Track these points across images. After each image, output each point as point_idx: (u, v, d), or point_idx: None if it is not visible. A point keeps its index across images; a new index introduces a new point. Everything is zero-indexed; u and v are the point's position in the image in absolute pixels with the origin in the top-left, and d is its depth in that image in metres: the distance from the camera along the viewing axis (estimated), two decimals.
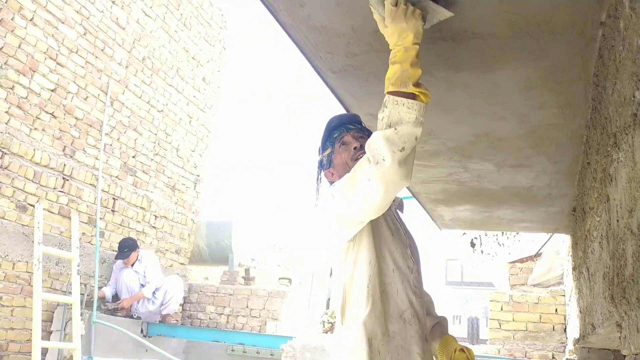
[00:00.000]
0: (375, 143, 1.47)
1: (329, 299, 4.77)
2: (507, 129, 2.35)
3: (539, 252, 4.68)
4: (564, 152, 2.52)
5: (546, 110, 2.16)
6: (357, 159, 1.74)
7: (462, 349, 1.83)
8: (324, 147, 1.94)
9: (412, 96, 1.48)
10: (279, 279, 7.70)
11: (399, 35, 1.52)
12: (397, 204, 1.95)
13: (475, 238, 4.37)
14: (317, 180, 1.96)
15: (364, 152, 1.58)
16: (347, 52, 1.87)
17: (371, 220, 1.68)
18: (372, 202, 1.56)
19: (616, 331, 1.66)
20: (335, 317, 4.33)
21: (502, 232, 4.32)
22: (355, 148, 1.83)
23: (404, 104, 1.48)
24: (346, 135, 1.89)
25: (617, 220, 1.45)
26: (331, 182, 1.87)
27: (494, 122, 2.29)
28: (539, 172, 2.78)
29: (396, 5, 1.52)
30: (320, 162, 1.94)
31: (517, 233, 4.57)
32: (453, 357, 1.82)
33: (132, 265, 5.77)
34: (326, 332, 4.04)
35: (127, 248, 5.68)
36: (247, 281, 7.64)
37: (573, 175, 2.80)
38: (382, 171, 1.46)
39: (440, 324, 1.97)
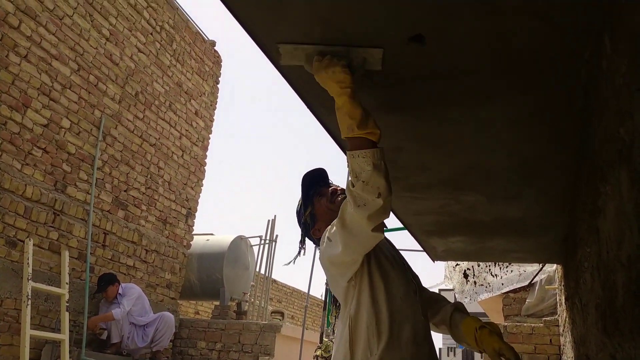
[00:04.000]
0: (351, 194, 1.59)
1: (321, 333, 4.71)
2: (497, 162, 2.40)
3: (532, 282, 4.69)
4: (554, 183, 2.56)
5: (535, 143, 2.21)
6: (335, 201, 1.91)
7: (482, 326, 1.85)
8: (305, 208, 2.02)
9: (363, 142, 1.58)
10: (272, 313, 7.61)
11: (326, 87, 1.62)
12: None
13: (468, 269, 4.37)
14: (302, 242, 2.05)
15: (340, 194, 1.79)
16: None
17: (368, 258, 1.75)
18: (362, 239, 1.65)
19: None
20: (329, 351, 4.28)
21: (495, 263, 4.33)
22: (332, 193, 1.94)
23: (358, 156, 1.59)
24: (321, 190, 2.00)
25: (607, 252, 1.48)
26: (318, 239, 1.94)
27: (484, 155, 2.33)
28: (530, 203, 2.82)
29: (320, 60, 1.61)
30: (305, 223, 2.01)
31: (510, 264, 4.59)
32: (477, 336, 1.84)
33: (115, 300, 5.65)
34: None
35: (103, 282, 5.59)
36: (239, 315, 7.53)
37: (564, 205, 2.84)
38: (367, 213, 1.57)
39: (458, 310, 1.99)
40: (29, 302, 4.66)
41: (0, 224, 4.74)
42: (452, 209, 2.96)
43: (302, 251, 2.06)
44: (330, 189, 1.98)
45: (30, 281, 4.73)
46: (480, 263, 4.28)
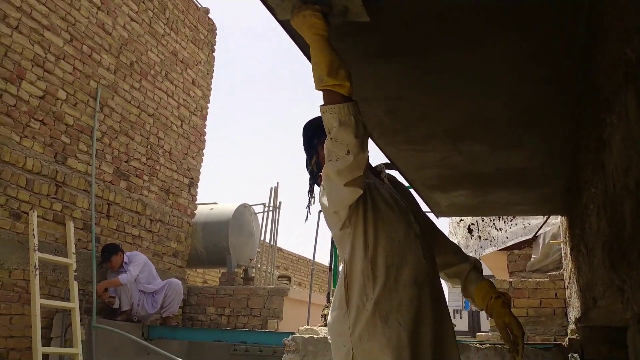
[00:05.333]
0: (326, 149, 1.63)
1: (328, 293, 4.76)
2: (497, 109, 2.36)
3: (537, 236, 4.69)
4: (556, 129, 2.53)
5: (536, 87, 2.17)
6: None
7: (497, 296, 1.86)
8: (309, 157, 2.04)
9: (334, 96, 1.56)
10: (279, 277, 7.69)
11: (301, 33, 1.58)
12: (388, 179, 2.03)
13: (472, 224, 4.37)
14: (310, 191, 2.07)
15: None
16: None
17: (364, 204, 1.77)
18: (338, 193, 1.70)
19: (618, 299, 1.66)
20: None
21: (499, 217, 4.32)
22: None
23: (326, 111, 1.58)
24: (324, 138, 1.96)
25: (614, 185, 1.45)
26: None
27: (484, 101, 2.29)
28: (532, 152, 2.79)
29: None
30: (312, 171, 2.03)
31: (514, 217, 4.58)
32: (489, 304, 1.86)
33: (120, 269, 5.70)
34: (327, 325, 4.02)
35: (106, 252, 5.64)
36: (246, 281, 7.62)
37: (566, 154, 2.81)
38: (337, 169, 1.62)
39: (476, 269, 2.00)
40: (37, 272, 4.70)
41: (3, 197, 4.74)
42: (453, 161, 2.93)
43: (312, 200, 2.05)
44: None
45: (36, 252, 4.76)
46: (485, 218, 4.28)
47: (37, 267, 4.71)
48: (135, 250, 6.17)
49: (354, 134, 1.56)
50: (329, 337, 3.69)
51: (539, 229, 4.52)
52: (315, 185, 2.02)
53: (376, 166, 2.06)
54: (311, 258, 6.41)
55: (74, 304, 4.93)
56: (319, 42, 1.55)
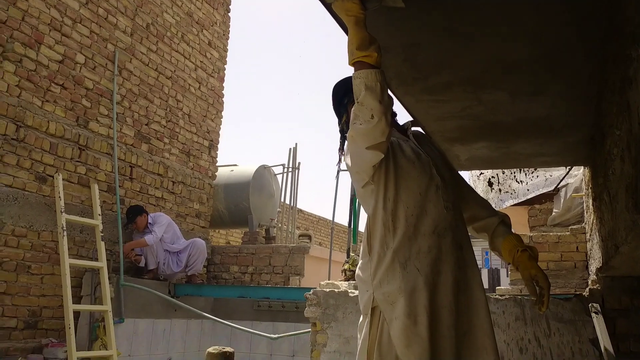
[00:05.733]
0: (353, 113, 1.77)
1: (348, 249, 4.82)
2: (520, 53, 2.30)
3: (558, 187, 4.62)
4: (580, 73, 2.46)
5: (559, 28, 2.10)
6: None
7: (524, 249, 1.91)
8: (339, 116, 2.16)
9: (363, 66, 1.71)
10: (299, 236, 7.79)
11: (340, 16, 1.74)
12: (414, 135, 2.11)
13: (492, 177, 4.33)
14: (340, 149, 2.15)
15: None
16: None
17: (386, 162, 1.88)
18: (360, 155, 1.82)
19: None
20: (356, 265, 4.38)
21: (520, 169, 4.27)
22: None
23: (356, 77, 1.72)
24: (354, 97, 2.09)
25: (639, 123, 1.42)
26: None
27: (506, 45, 2.23)
28: (555, 98, 2.73)
29: None
30: (342, 130, 2.15)
31: (535, 169, 4.51)
32: (516, 257, 1.91)
33: (145, 229, 5.84)
34: (347, 280, 4.09)
35: (131, 214, 5.77)
36: (268, 241, 7.74)
37: (590, 100, 2.74)
38: (361, 132, 1.75)
39: (504, 223, 2.04)
40: (65, 233, 4.84)
41: (28, 161, 4.85)
42: (474, 111, 2.88)
43: (342, 157, 2.11)
44: None
45: (63, 214, 4.89)
46: (505, 170, 4.23)
47: (64, 228, 4.85)
48: (158, 211, 6.29)
49: (378, 99, 1.68)
50: (349, 290, 3.76)
51: (561, 180, 4.46)
52: (346, 144, 2.07)
53: (403, 124, 2.15)
54: (331, 219, 6.47)
55: (102, 264, 5.09)
56: (354, 22, 1.70)
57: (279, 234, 8.24)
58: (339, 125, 2.15)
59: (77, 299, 4.99)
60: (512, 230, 2.08)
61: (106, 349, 4.83)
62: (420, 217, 1.84)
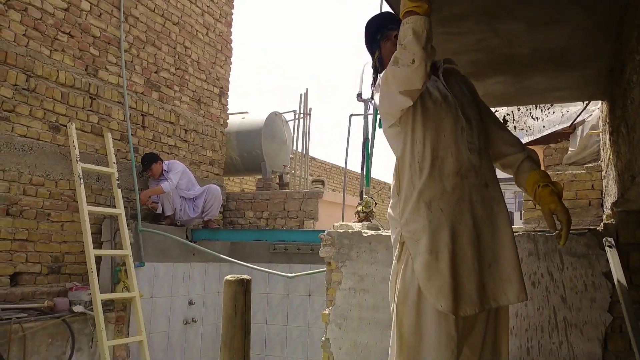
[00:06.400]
0: (394, 56, 1.82)
1: (361, 192, 4.85)
2: None
3: (575, 123, 4.53)
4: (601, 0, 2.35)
5: None
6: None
7: (546, 184, 1.94)
8: (372, 52, 2.20)
9: (412, 14, 1.76)
10: (312, 182, 7.83)
11: None
12: (447, 72, 2.13)
13: (507, 114, 4.25)
14: (373, 84, 2.20)
15: None
16: None
17: (414, 105, 1.91)
18: (392, 98, 1.89)
19: None
20: (369, 207, 4.41)
21: (536, 106, 4.18)
22: (397, 37, 1.96)
23: (404, 23, 1.77)
24: (387, 33, 2.13)
25: None
26: None
27: None
28: (574, 28, 2.63)
29: None
30: (374, 67, 2.20)
31: (552, 105, 4.42)
32: (537, 192, 1.95)
33: (161, 177, 5.91)
34: (361, 221, 4.13)
35: (146, 161, 5.83)
36: (282, 187, 7.80)
37: (610, 29, 2.64)
38: (398, 75, 1.80)
39: (530, 159, 2.08)
40: (82, 181, 4.91)
41: (41, 110, 4.86)
42: (489, 43, 2.80)
43: (375, 93, 2.16)
44: (395, 33, 2.04)
45: (79, 162, 4.94)
46: (520, 107, 4.16)
47: (81, 176, 4.91)
48: (172, 159, 6.34)
49: (422, 46, 1.73)
50: (362, 231, 3.80)
51: (578, 116, 4.37)
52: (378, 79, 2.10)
53: (436, 62, 2.14)
54: (343, 166, 6.49)
55: (120, 210, 5.18)
56: None
57: (292, 180, 8.29)
58: (372, 61, 2.21)
59: (97, 245, 5.12)
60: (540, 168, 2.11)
61: (129, 291, 5.00)
62: (445, 159, 1.90)
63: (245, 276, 1.49)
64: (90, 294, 4.65)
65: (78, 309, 4.57)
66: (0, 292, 4.33)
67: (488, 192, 1.95)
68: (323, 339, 3.70)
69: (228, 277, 1.46)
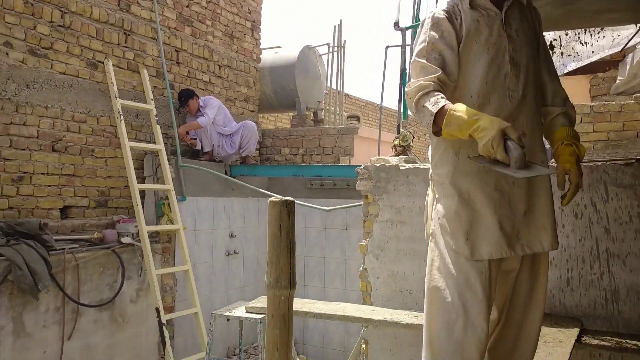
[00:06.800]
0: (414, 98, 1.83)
1: (398, 125, 4.77)
2: None
3: (626, 47, 4.27)
4: None
5: None
6: None
7: (570, 144, 1.90)
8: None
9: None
10: (348, 117, 7.77)
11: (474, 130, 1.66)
12: (510, 4, 1.96)
13: (554, 39, 4.02)
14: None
15: None
16: None
17: (457, 48, 1.88)
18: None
19: None
20: (406, 140, 4.36)
21: (585, 30, 3.93)
22: None
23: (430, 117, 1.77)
24: None
25: None
26: None
27: None
28: None
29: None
30: None
31: (602, 29, 4.15)
32: (559, 148, 1.92)
33: (197, 113, 5.96)
34: (398, 155, 4.09)
35: (183, 97, 5.86)
36: (316, 123, 7.77)
37: None
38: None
39: (566, 115, 2.01)
40: (122, 117, 5.00)
41: (77, 47, 4.90)
42: None
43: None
44: None
45: (118, 99, 5.01)
46: (569, 32, 3.92)
47: (120, 113, 5.00)
48: (207, 95, 6.36)
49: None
50: (399, 164, 3.78)
51: (630, 39, 4.10)
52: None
53: None
54: (379, 102, 6.37)
55: (160, 146, 5.29)
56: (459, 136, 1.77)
57: (326, 116, 8.23)
58: None
59: (140, 180, 5.27)
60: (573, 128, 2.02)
61: (172, 224, 5.19)
62: (483, 107, 1.84)
63: (288, 198, 1.51)
64: (136, 226, 4.84)
65: (126, 240, 4.78)
66: (52, 225, 4.56)
67: (525, 140, 1.86)
68: (361, 269, 3.78)
69: (272, 199, 1.49)
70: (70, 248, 4.36)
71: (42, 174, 4.57)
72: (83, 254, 4.43)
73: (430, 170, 2.06)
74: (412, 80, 1.89)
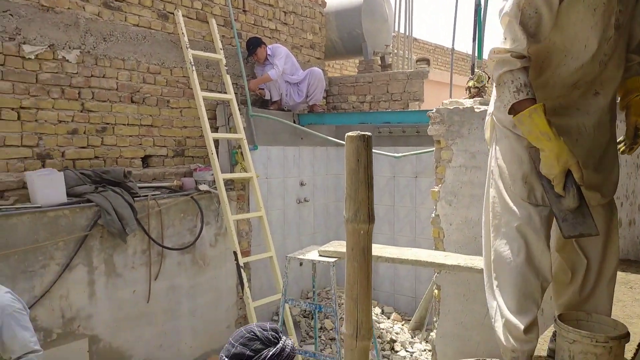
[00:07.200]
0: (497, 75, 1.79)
1: (472, 65, 4.55)
2: None
3: None
4: None
5: None
6: None
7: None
8: None
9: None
10: (417, 61, 7.51)
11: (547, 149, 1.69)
12: None
13: None
14: None
15: None
16: None
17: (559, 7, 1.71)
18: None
19: None
20: (481, 81, 4.16)
21: None
22: None
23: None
24: None
25: None
26: None
27: None
28: None
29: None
30: None
31: None
32: (630, 99, 1.89)
33: (265, 61, 5.96)
34: (472, 97, 3.93)
35: (251, 45, 5.87)
36: (384, 68, 7.58)
37: None
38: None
39: None
40: (194, 68, 5.10)
41: None
42: None
43: None
44: None
45: (189, 49, 5.10)
46: None
47: (192, 63, 5.09)
48: (275, 43, 6.33)
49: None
50: (475, 106, 3.63)
51: None
52: None
53: None
54: (449, 45, 6.08)
55: (231, 95, 5.38)
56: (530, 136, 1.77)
57: (394, 60, 8.00)
58: None
59: (214, 129, 5.42)
60: None
61: (246, 172, 5.34)
62: (573, 73, 1.78)
63: (366, 133, 1.50)
64: (212, 174, 5.02)
65: (203, 187, 4.98)
66: (135, 173, 4.81)
67: (597, 100, 1.85)
68: (433, 215, 3.74)
69: (350, 133, 1.49)
70: (153, 195, 4.60)
71: (123, 124, 4.79)
72: (165, 201, 4.66)
73: (490, 109, 2.06)
74: (501, 38, 1.79)
